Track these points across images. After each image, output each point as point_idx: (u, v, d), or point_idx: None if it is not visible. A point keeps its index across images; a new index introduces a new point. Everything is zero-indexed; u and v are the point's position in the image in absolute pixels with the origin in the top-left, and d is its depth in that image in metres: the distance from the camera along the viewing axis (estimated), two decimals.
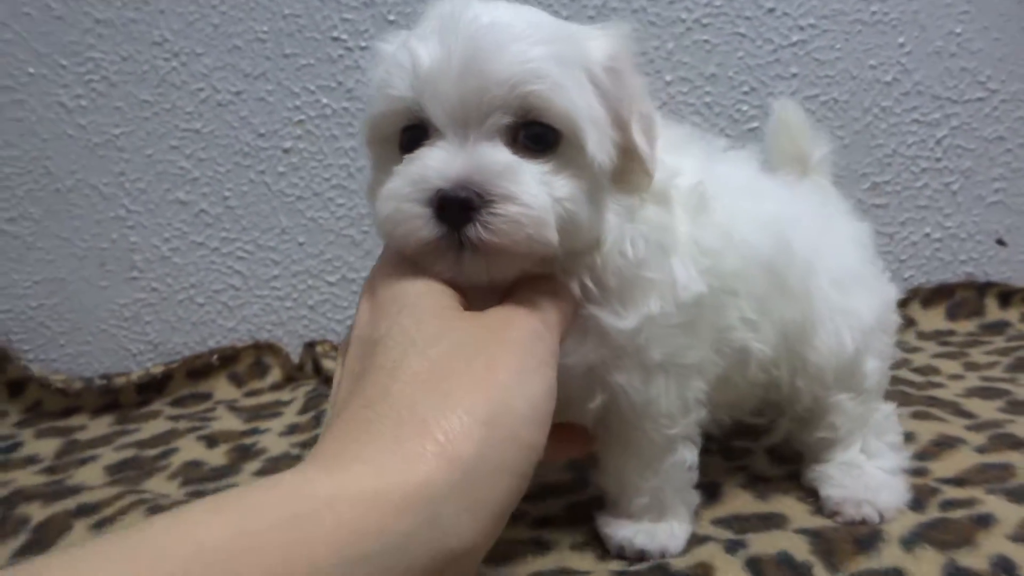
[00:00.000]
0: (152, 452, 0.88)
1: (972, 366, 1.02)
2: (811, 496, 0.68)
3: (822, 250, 0.65)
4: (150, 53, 1.03)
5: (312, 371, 1.09)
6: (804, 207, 0.67)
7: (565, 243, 0.48)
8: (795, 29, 1.11)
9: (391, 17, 1.05)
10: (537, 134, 0.47)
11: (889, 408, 0.69)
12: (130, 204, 1.06)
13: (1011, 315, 1.21)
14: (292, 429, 0.92)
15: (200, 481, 0.80)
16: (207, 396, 1.06)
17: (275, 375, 1.08)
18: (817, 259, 0.64)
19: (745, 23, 1.10)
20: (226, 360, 1.08)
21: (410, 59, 0.47)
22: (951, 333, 1.18)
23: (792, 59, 1.12)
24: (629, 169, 0.52)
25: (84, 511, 0.71)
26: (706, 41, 1.10)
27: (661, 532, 0.60)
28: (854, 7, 1.11)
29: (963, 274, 1.22)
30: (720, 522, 0.65)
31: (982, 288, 1.21)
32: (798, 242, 0.63)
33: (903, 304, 1.19)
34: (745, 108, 1.12)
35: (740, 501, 0.69)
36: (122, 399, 1.05)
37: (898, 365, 1.03)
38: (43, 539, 0.68)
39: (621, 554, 0.60)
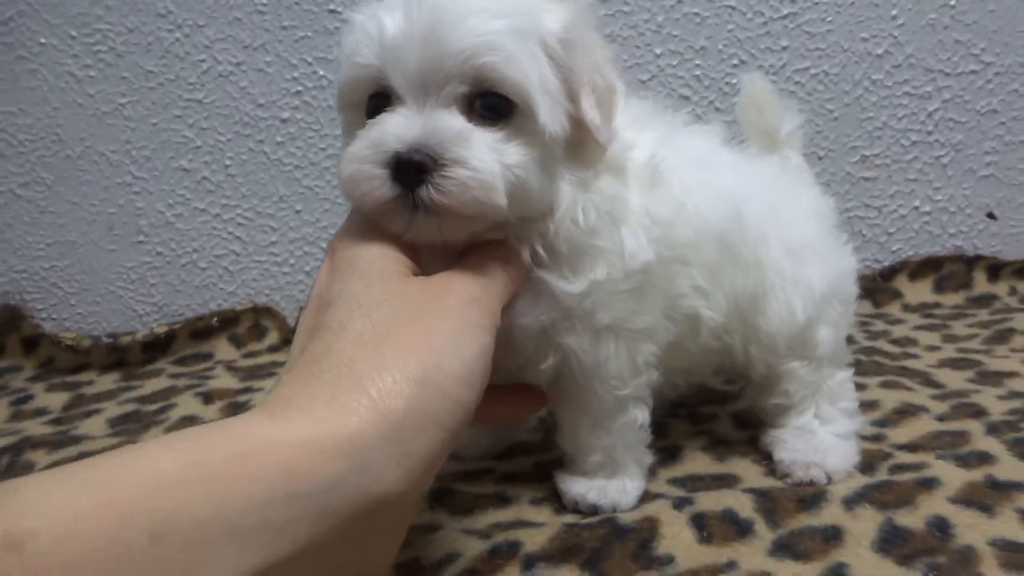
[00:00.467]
0: (152, 407, 0.93)
1: (951, 338, 1.04)
2: (767, 459, 0.71)
3: (777, 221, 0.67)
4: (155, 25, 1.06)
5: None
6: (761, 179, 0.69)
7: (515, 208, 0.51)
8: (786, 2, 1.11)
9: None
10: (492, 104, 0.50)
11: (845, 375, 0.72)
12: (136, 171, 1.11)
13: (999, 288, 1.22)
14: None
15: None
16: (208, 356, 1.11)
17: (272, 337, 1.13)
18: (771, 230, 0.66)
19: None
20: (226, 322, 1.13)
21: (377, 29, 0.50)
22: (937, 305, 1.19)
23: (782, 32, 1.12)
24: (584, 140, 0.54)
25: (85, 458, 0.76)
26: (696, 14, 1.11)
27: (613, 488, 0.63)
28: None
29: (952, 247, 1.23)
30: (675, 481, 0.68)
31: (971, 261, 1.22)
32: (751, 213, 0.66)
33: (889, 276, 1.21)
34: (735, 81, 1.12)
35: (699, 463, 0.72)
36: (129, 357, 1.10)
37: (876, 336, 1.06)
38: None
39: (576, 508, 0.63)
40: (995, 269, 1.23)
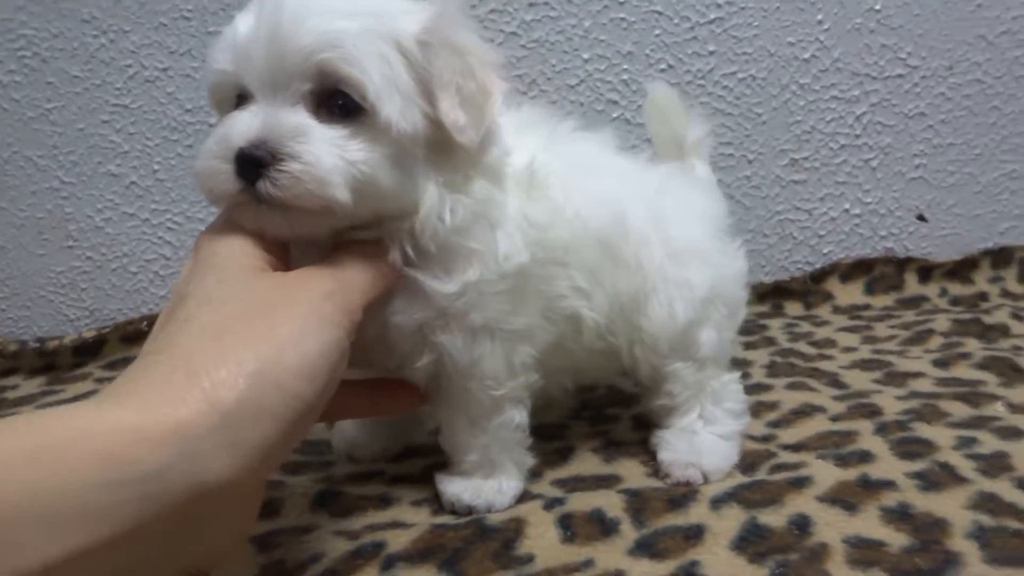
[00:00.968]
0: None
1: (870, 339, 1.05)
2: (655, 459, 0.71)
3: (661, 225, 0.68)
4: (80, 30, 1.07)
5: None
6: (647, 184, 0.70)
7: (367, 205, 0.52)
8: (712, 7, 1.12)
9: None
10: (344, 102, 0.51)
11: (730, 376, 0.73)
12: (64, 176, 1.11)
13: (930, 290, 1.23)
14: None
15: None
16: None
17: None
18: (653, 233, 0.67)
19: (661, 1, 1.11)
20: None
21: (232, 33, 0.52)
22: (867, 307, 1.20)
23: (709, 36, 1.13)
24: (450, 141, 0.55)
25: None
26: (622, 19, 1.11)
27: (488, 489, 0.64)
28: None
29: (883, 249, 1.24)
30: (558, 482, 0.69)
31: (902, 263, 1.23)
32: (633, 217, 0.67)
33: (820, 278, 1.22)
34: None
35: (587, 464, 0.73)
36: (58, 361, 1.10)
37: (797, 338, 1.07)
38: None
39: (452, 509, 0.64)
40: (926, 271, 1.24)
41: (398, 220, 0.55)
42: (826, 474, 0.66)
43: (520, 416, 0.64)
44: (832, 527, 0.58)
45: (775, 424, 0.78)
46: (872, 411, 0.79)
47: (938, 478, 0.64)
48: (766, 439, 0.75)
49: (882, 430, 0.74)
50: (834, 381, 0.89)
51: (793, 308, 1.21)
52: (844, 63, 1.16)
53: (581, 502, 0.63)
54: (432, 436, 0.80)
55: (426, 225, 0.55)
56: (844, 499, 0.62)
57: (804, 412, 0.80)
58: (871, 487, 0.63)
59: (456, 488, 0.64)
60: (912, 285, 1.23)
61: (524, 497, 0.66)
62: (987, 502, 0.61)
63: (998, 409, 0.79)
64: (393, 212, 0.55)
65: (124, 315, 1.17)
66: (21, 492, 0.35)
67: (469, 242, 0.57)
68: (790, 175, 1.19)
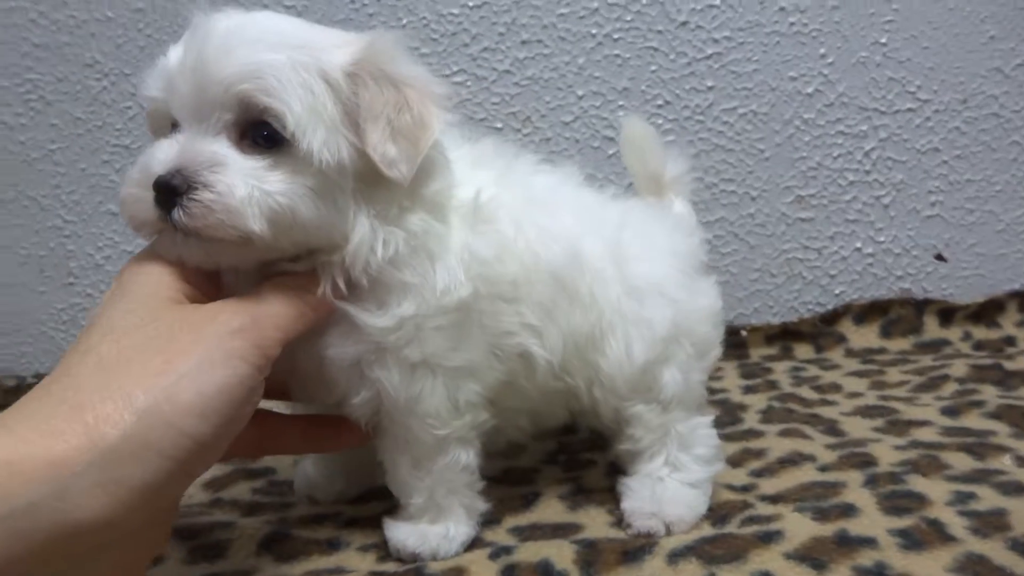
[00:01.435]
0: None
1: (879, 384, 0.99)
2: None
3: (619, 261, 0.65)
4: (83, 74, 1.09)
5: None
6: (606, 220, 0.67)
7: (289, 236, 0.51)
8: (709, 42, 1.10)
9: None
10: (268, 133, 0.50)
11: (701, 420, 0.68)
12: (66, 215, 1.13)
13: (952, 334, 1.16)
14: None
15: None
16: None
17: None
18: (611, 269, 0.64)
19: (657, 37, 1.09)
20: None
21: (164, 61, 0.52)
22: (882, 351, 1.14)
23: (707, 72, 1.11)
24: (381, 174, 0.53)
25: None
26: (617, 56, 1.10)
27: (435, 534, 0.61)
28: (771, 19, 1.09)
29: (899, 290, 1.17)
30: (515, 530, 0.65)
31: (920, 305, 1.17)
32: (590, 251, 0.64)
33: (832, 320, 1.16)
34: (660, 122, 1.11)
35: (551, 511, 0.69)
36: None
37: (801, 382, 1.01)
38: None
39: (398, 556, 0.61)
40: (948, 313, 1.17)
41: (328, 252, 0.54)
42: (800, 529, 0.61)
43: (467, 457, 0.61)
44: None
45: (758, 473, 0.73)
46: (865, 461, 0.74)
47: (924, 536, 0.59)
48: (745, 489, 0.70)
49: (871, 482, 0.69)
50: (831, 428, 0.84)
51: (803, 351, 1.15)
52: (850, 97, 1.12)
53: (530, 552, 0.59)
54: None
55: (357, 257, 0.54)
56: (815, 556, 0.57)
57: (791, 461, 0.75)
58: (847, 544, 0.58)
59: (401, 534, 0.61)
60: (932, 328, 1.17)
61: (474, 544, 0.63)
62: (974, 564, 0.55)
63: (1005, 462, 0.73)
64: (321, 244, 0.53)
65: None
66: None
67: (404, 275, 0.55)
68: (796, 212, 1.15)
